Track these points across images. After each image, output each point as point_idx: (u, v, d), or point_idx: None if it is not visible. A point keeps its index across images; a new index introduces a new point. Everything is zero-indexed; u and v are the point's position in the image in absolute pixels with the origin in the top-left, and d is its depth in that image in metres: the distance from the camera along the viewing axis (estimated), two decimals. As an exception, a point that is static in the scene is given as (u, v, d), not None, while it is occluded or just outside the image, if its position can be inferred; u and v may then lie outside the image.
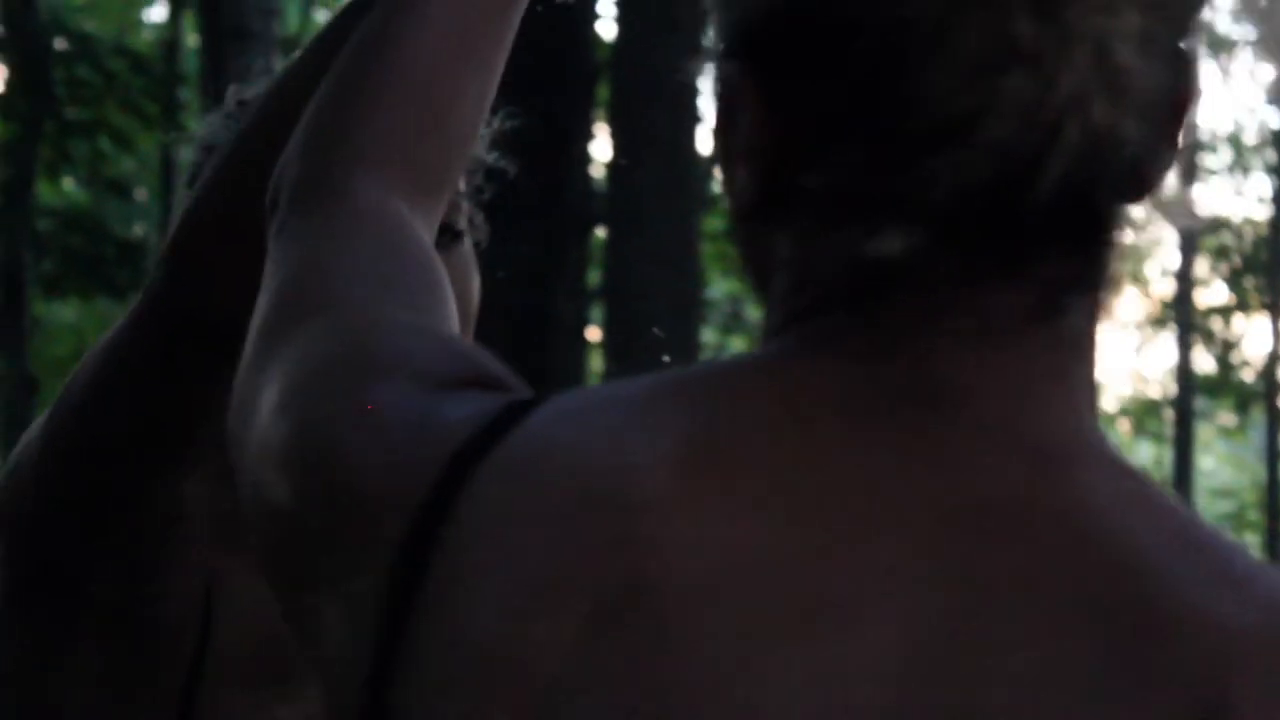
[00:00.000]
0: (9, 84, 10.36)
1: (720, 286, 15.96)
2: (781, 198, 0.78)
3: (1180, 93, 0.76)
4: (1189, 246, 12.64)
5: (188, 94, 11.63)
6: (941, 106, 0.73)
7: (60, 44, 10.17)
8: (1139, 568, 0.73)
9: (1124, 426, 18.39)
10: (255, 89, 1.37)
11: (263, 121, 1.18)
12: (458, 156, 1.00)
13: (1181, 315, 13.00)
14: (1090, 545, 0.73)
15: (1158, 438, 17.54)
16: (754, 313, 16.74)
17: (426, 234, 0.95)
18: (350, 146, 0.95)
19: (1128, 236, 0.77)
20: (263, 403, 0.84)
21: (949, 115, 0.73)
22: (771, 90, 0.77)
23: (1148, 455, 18.59)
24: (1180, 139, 0.77)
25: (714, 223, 14.08)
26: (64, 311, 15.07)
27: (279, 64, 9.48)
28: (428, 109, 0.98)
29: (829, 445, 0.75)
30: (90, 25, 11.81)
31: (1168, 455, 15.63)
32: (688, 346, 8.26)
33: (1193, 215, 0.80)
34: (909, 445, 0.75)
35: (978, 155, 0.73)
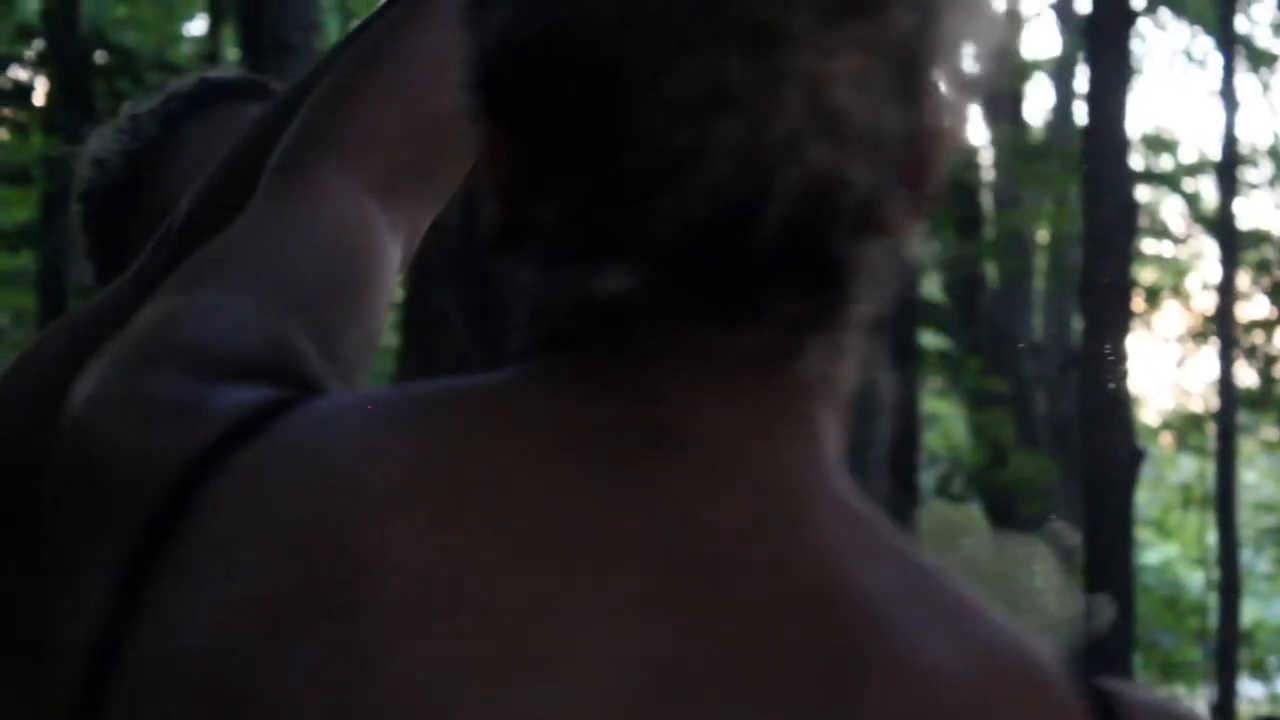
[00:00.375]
0: (50, 97, 10.37)
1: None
2: (519, 232, 0.78)
3: (921, 134, 0.75)
4: (1230, 260, 12.54)
5: (229, 107, 11.63)
6: (657, 146, 0.73)
7: (101, 57, 10.16)
8: (860, 613, 0.73)
9: (1166, 441, 18.28)
10: (149, 104, 1.34)
11: (258, 133, 1.15)
12: (451, 159, 1.00)
13: (1223, 329, 12.90)
14: (813, 590, 0.73)
15: (1200, 452, 17.41)
16: None
17: (392, 233, 0.96)
18: (332, 138, 0.96)
19: (868, 277, 0.76)
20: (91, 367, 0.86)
21: (664, 155, 0.73)
22: (507, 124, 0.77)
23: (1190, 470, 18.47)
24: (926, 178, 0.77)
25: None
26: (105, 323, 15.09)
27: None
28: (421, 110, 0.99)
29: (554, 481, 0.74)
30: (130, 38, 11.81)
31: (1210, 469, 15.52)
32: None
33: (925, 253, 0.79)
34: (635, 485, 0.74)
35: (695, 196, 0.73)
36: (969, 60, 0.77)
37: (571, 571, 0.72)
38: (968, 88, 0.77)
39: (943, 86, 0.76)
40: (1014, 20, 0.81)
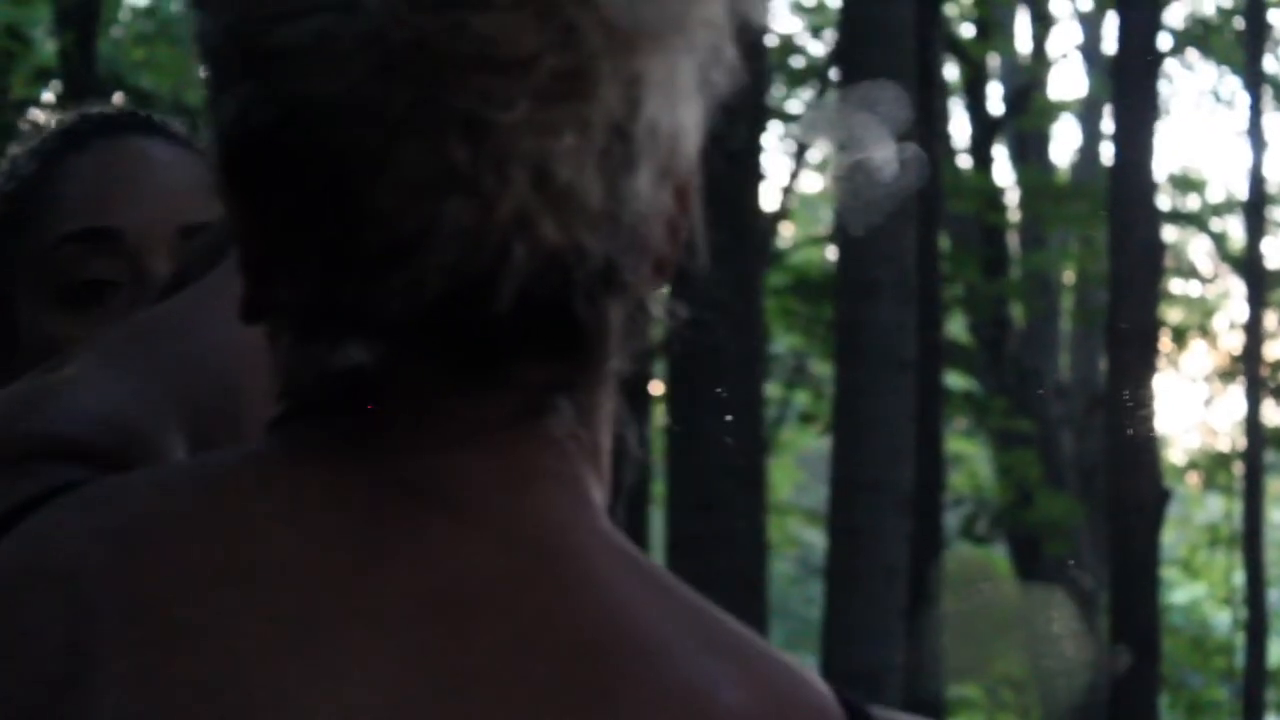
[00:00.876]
0: (68, 139, 10.37)
1: (783, 341, 15.92)
2: (265, 306, 0.80)
3: (649, 207, 0.77)
4: (1257, 299, 12.45)
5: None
6: (388, 227, 0.75)
7: (118, 100, 10.17)
8: (629, 650, 0.74)
9: (1193, 480, 18.16)
10: (28, 140, 1.33)
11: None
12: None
13: (1250, 368, 12.80)
14: (580, 631, 0.75)
15: (1227, 491, 17.30)
16: (819, 368, 16.84)
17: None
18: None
19: (613, 338, 0.80)
20: None
21: (396, 236, 0.74)
22: (247, 203, 0.79)
23: (1217, 509, 18.35)
24: (660, 244, 0.79)
25: (777, 278, 14.04)
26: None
27: None
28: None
29: (294, 541, 0.76)
30: (146, 80, 11.82)
31: (1237, 509, 15.41)
32: (751, 401, 8.19)
33: (670, 317, 0.82)
34: (382, 542, 0.75)
35: (428, 274, 0.74)
36: (684, 131, 0.79)
37: (308, 626, 0.74)
38: (685, 162, 0.80)
39: (660, 157, 0.78)
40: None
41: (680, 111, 0.78)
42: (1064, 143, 36.27)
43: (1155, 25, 10.82)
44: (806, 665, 0.80)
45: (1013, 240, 16.13)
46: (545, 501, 0.78)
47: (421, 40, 0.74)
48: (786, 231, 16.74)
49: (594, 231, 0.76)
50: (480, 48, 0.74)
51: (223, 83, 0.79)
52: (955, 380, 15.23)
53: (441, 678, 0.73)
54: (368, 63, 0.74)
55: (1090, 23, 17.37)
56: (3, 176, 1.33)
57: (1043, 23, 16.89)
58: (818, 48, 15.08)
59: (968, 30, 15.69)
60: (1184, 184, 17.81)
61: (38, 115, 10.37)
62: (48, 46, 11.40)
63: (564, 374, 0.79)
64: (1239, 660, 14.91)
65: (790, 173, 14.49)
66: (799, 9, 15.31)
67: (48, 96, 10.65)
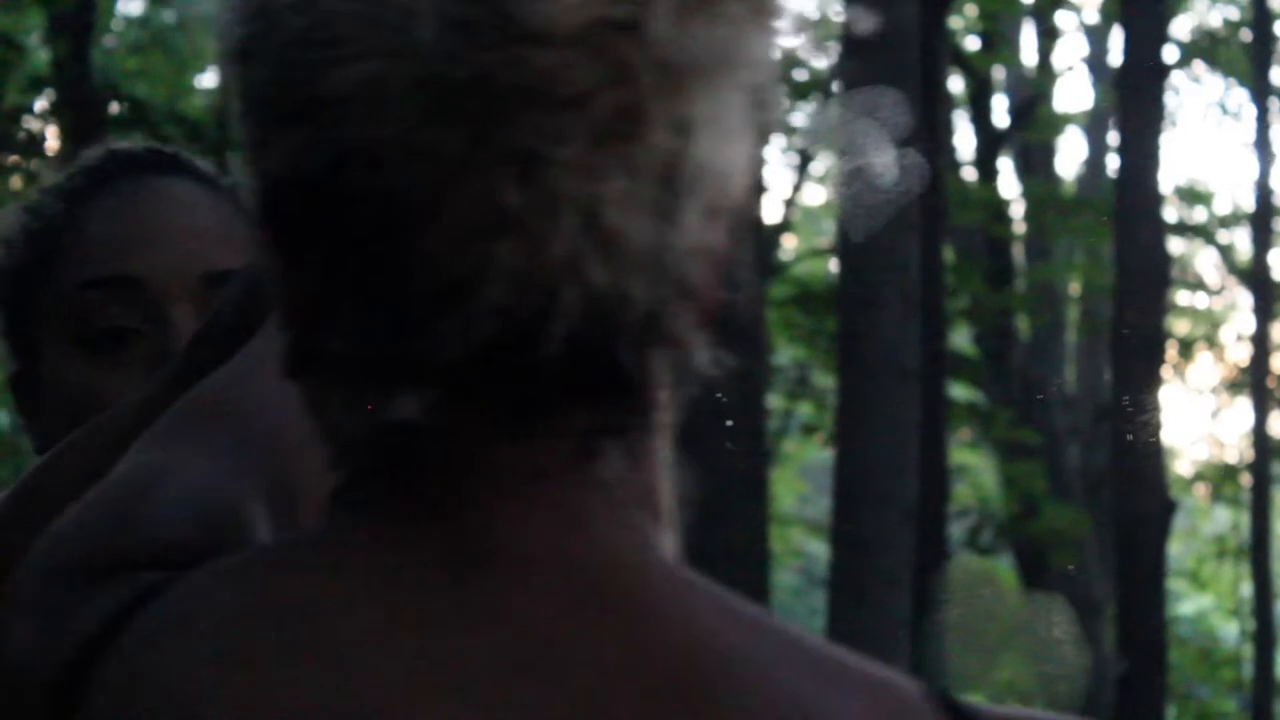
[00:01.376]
0: (62, 147, 10.39)
1: (786, 353, 15.92)
2: (311, 360, 0.80)
3: (696, 253, 0.78)
4: (1264, 311, 12.42)
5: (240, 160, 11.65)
6: (439, 272, 0.75)
7: (113, 108, 10.19)
8: (722, 676, 0.74)
9: (1200, 491, 18.12)
10: (55, 178, 1.32)
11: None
12: None
13: (1257, 380, 12.76)
14: (664, 665, 0.74)
15: (1234, 503, 17.27)
16: (821, 379, 16.84)
17: None
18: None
19: (661, 384, 0.79)
20: None
21: (446, 281, 0.75)
22: (293, 254, 0.79)
23: (1224, 521, 18.31)
24: (706, 291, 0.79)
25: (779, 290, 14.03)
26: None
27: None
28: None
29: (379, 619, 0.75)
30: (141, 90, 11.83)
31: (1244, 520, 15.39)
32: (754, 413, 8.17)
33: (711, 367, 0.81)
34: (462, 605, 0.75)
35: (477, 319, 0.75)
36: (734, 177, 0.79)
37: (406, 703, 0.73)
38: (734, 203, 0.80)
39: (710, 202, 0.78)
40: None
41: (729, 152, 0.78)
42: (1069, 155, 36.29)
43: (1161, 37, 10.80)
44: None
45: (1018, 252, 16.12)
46: (606, 545, 0.78)
47: (478, 77, 0.74)
48: (789, 243, 16.76)
49: (641, 275, 0.76)
50: (538, 84, 0.74)
51: (269, 131, 0.78)
52: (960, 391, 15.21)
53: None
54: (420, 105, 0.74)
55: (1096, 35, 17.36)
56: (29, 214, 1.32)
57: (1048, 35, 16.88)
58: (820, 61, 15.08)
59: (973, 43, 15.69)
60: (1191, 196, 17.81)
61: (31, 124, 10.41)
62: (41, 55, 11.42)
63: (609, 421, 0.79)
64: (1247, 672, 14.88)
65: (792, 185, 14.48)
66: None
67: (41, 105, 10.69)
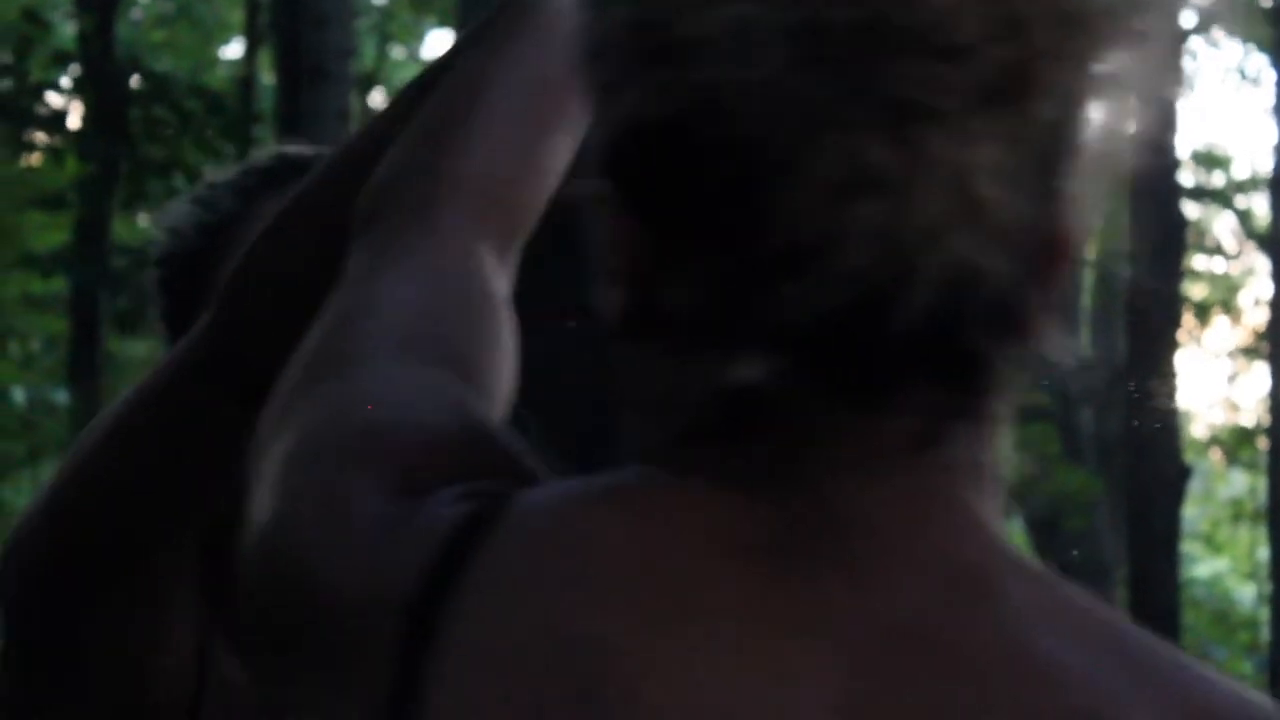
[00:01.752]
0: (84, 122, 10.42)
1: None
2: (646, 318, 0.76)
3: (1054, 233, 0.74)
4: (1282, 274, 12.39)
5: (263, 133, 11.64)
6: (793, 231, 0.71)
7: (136, 83, 10.18)
8: (1071, 686, 0.72)
9: (1217, 456, 18.12)
10: (226, 174, 1.41)
11: (326, 180, 1.19)
12: (542, 201, 0.99)
13: (1274, 344, 12.73)
14: (1022, 666, 0.73)
15: (1251, 467, 17.27)
16: None
17: (505, 282, 0.94)
18: (444, 182, 0.95)
19: (1003, 367, 0.75)
20: (266, 470, 0.83)
21: (801, 240, 0.71)
22: (638, 207, 0.76)
23: (1241, 484, 18.32)
24: (1058, 273, 0.75)
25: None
26: (137, 348, 15.14)
27: (355, 103, 9.41)
28: (519, 152, 0.97)
29: (741, 582, 0.73)
30: (166, 62, 11.81)
31: (1261, 484, 15.38)
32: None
33: (1071, 358, 0.77)
34: (813, 580, 0.73)
35: (832, 282, 0.71)
36: (1116, 154, 0.74)
37: (789, 671, 0.72)
38: (1110, 176, 0.75)
39: (1079, 182, 0.74)
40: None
41: (1116, 125, 0.74)
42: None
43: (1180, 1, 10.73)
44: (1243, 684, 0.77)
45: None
46: (951, 527, 0.76)
47: (861, 21, 0.70)
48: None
49: (1004, 251, 0.72)
50: (924, 30, 0.70)
51: (619, 76, 0.75)
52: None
53: (884, 697, 0.72)
54: (791, 51, 0.70)
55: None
56: (202, 206, 1.41)
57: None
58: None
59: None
60: (1208, 160, 17.74)
61: (55, 99, 10.42)
62: (66, 29, 11.40)
63: (955, 401, 0.75)
64: (1263, 634, 14.89)
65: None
66: None
67: (66, 80, 10.66)
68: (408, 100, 1.14)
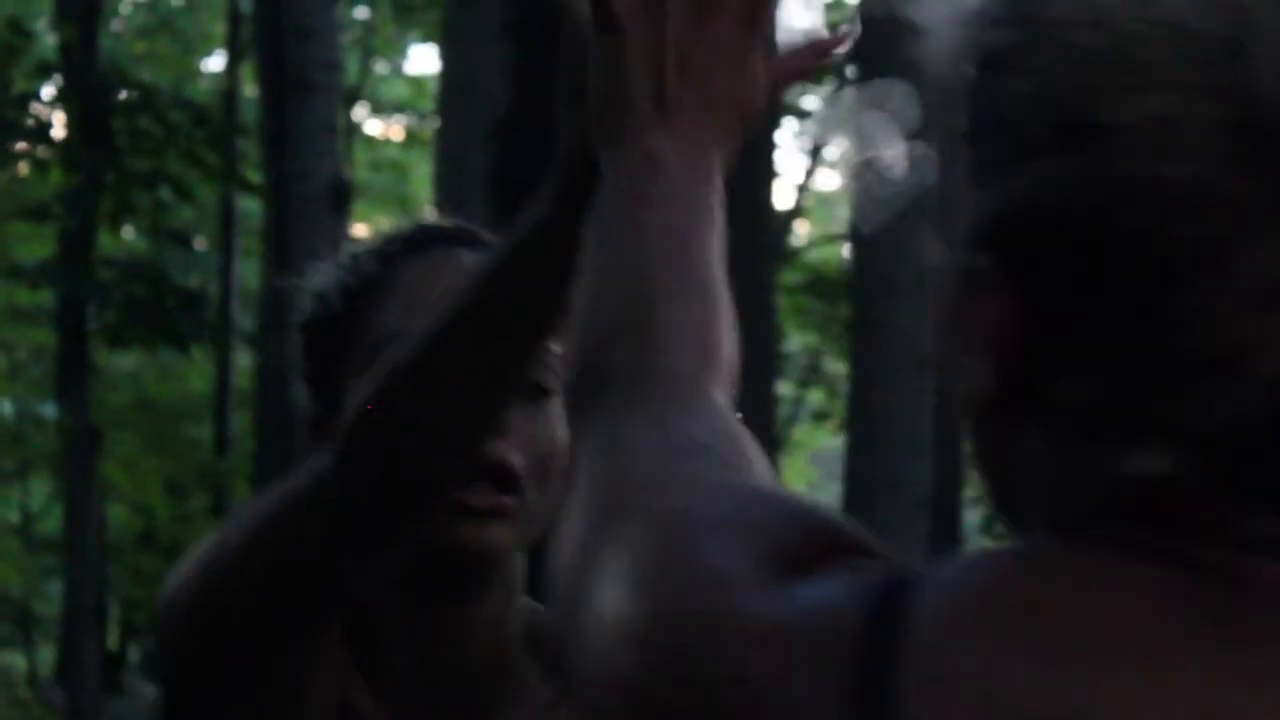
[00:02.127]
0: (69, 133, 10.48)
1: (797, 340, 15.94)
2: (1026, 397, 0.74)
3: None
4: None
5: (246, 145, 11.72)
6: (1216, 333, 0.70)
7: (120, 95, 10.27)
8: None
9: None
10: (365, 245, 1.50)
11: (452, 329, 1.26)
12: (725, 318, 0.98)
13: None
14: None
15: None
16: (832, 365, 16.73)
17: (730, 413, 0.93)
18: (655, 335, 0.93)
19: None
20: (603, 587, 0.80)
21: (1223, 343, 0.70)
22: (1025, 286, 0.73)
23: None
24: None
25: (791, 276, 14.03)
26: (125, 361, 15.19)
27: (340, 117, 9.43)
28: (698, 287, 0.96)
29: (1204, 649, 0.70)
30: (147, 74, 11.90)
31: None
32: (764, 400, 8.16)
33: None
34: (1269, 644, 0.71)
35: (1252, 387, 0.70)
36: None
37: None
38: None
39: None
40: None
41: None
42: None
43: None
44: None
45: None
46: None
47: None
48: (801, 229, 16.77)
49: None
50: None
51: (1018, 153, 0.73)
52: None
53: None
54: (1225, 148, 0.69)
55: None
56: (345, 271, 1.49)
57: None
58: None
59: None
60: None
61: (39, 110, 10.45)
62: (49, 40, 11.46)
63: None
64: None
65: (806, 170, 14.48)
66: (815, 4, 15.27)
67: (49, 91, 10.75)
68: (512, 265, 1.21)
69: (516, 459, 1.38)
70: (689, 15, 0.98)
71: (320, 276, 1.50)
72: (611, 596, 0.80)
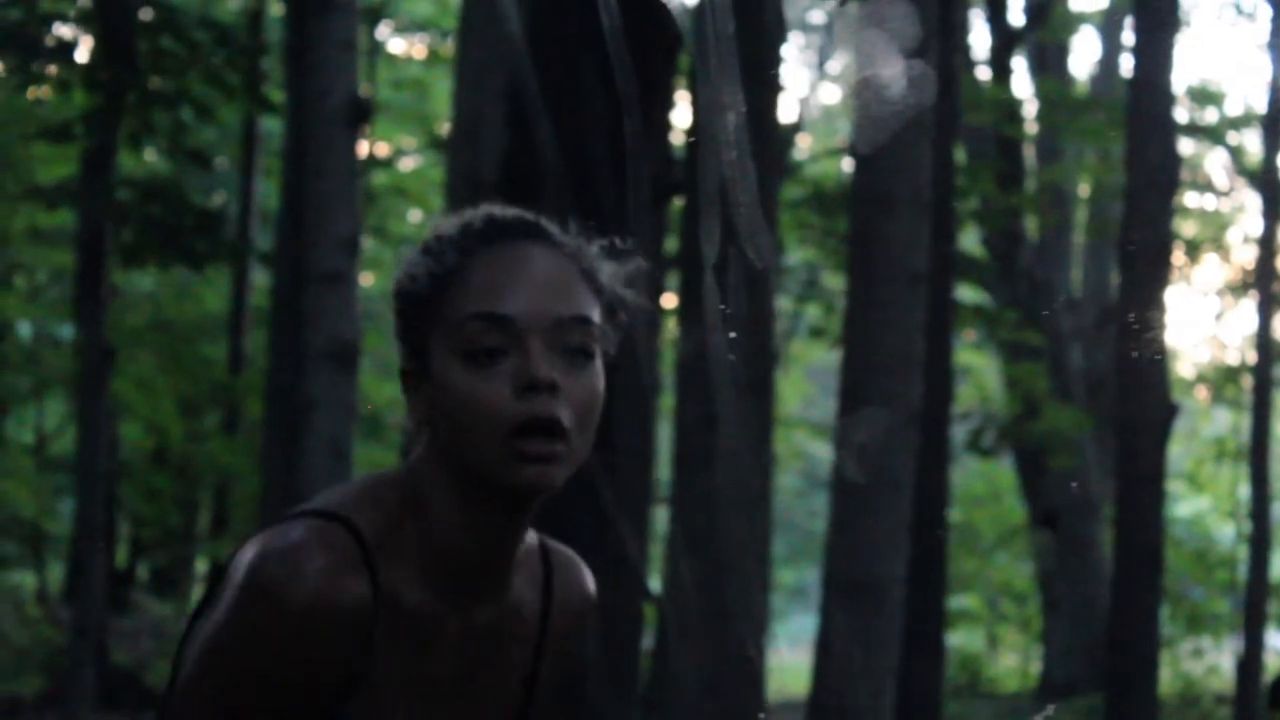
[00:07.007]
0: (93, 55, 10.38)
1: (796, 254, 15.87)
2: None
3: None
4: (1272, 213, 12.46)
5: (270, 64, 11.58)
6: None
7: (145, 14, 10.14)
8: None
9: (1202, 394, 18.22)
10: (449, 233, 1.80)
11: None
12: None
13: (1263, 282, 12.81)
14: None
15: (1235, 405, 17.38)
16: (829, 281, 16.60)
17: None
18: None
19: None
20: None
21: None
22: None
23: (1224, 423, 18.42)
24: None
25: (792, 191, 14.01)
26: (143, 281, 15.07)
27: (364, 36, 9.31)
28: None
29: None
30: (175, -4, 11.77)
31: (1245, 423, 15.48)
32: (761, 315, 8.24)
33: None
34: None
35: None
36: None
37: None
38: None
39: None
40: None
41: None
42: (1084, 55, 35.93)
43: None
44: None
45: (1029, 153, 16.09)
46: None
47: None
48: (804, 143, 16.67)
49: None
50: None
51: None
52: (966, 293, 15.19)
53: None
54: None
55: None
56: (432, 258, 1.80)
57: (1064, -67, 16.79)
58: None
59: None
60: (1202, 97, 17.76)
61: (63, 30, 10.35)
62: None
63: None
64: (1241, 573, 15.00)
65: (809, 84, 14.44)
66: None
67: (74, 12, 10.61)
68: None
69: (565, 414, 1.70)
70: None
71: (412, 260, 1.82)
72: None
